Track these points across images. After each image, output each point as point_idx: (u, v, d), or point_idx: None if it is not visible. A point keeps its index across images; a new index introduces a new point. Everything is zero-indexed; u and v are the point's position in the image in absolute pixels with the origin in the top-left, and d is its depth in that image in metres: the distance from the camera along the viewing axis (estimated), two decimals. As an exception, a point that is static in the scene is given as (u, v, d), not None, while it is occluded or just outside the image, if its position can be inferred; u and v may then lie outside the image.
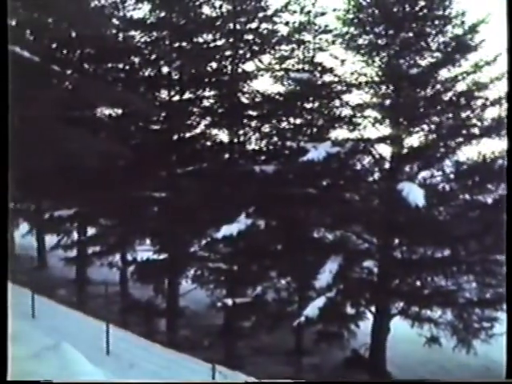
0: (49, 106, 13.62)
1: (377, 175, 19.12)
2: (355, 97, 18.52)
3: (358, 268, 18.48)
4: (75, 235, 24.76)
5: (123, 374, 11.00)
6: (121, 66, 23.15)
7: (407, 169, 18.30)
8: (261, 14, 20.88)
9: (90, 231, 24.91)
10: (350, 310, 18.42)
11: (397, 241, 18.47)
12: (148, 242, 22.55)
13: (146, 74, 22.47)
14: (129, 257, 23.11)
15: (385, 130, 18.21)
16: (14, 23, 20.08)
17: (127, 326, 17.75)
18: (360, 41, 18.04)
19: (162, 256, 21.11)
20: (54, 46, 23.55)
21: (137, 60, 22.60)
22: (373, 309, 18.34)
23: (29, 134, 12.40)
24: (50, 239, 25.87)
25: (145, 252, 21.76)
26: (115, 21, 22.94)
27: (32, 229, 27.77)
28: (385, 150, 18.25)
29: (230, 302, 18.67)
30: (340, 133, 19.29)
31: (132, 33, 22.39)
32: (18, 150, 12.80)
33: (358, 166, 19.11)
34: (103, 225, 23.55)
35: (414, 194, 15.58)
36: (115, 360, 12.25)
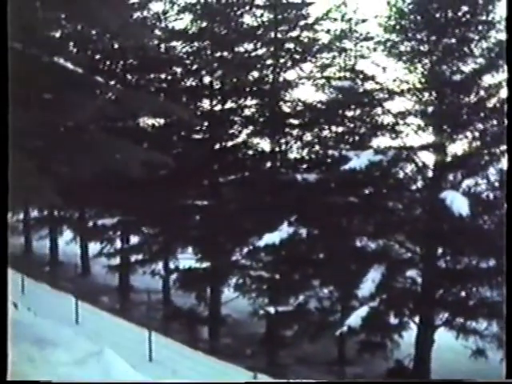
0: (92, 116, 13.80)
1: (420, 184, 18.86)
2: (397, 104, 18.34)
3: (401, 277, 18.24)
4: (118, 243, 25.06)
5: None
6: (163, 76, 23.47)
7: (451, 177, 18.00)
8: (302, 23, 20.90)
9: (133, 239, 25.18)
10: (393, 320, 18.16)
11: (440, 250, 18.18)
12: (190, 250, 22.64)
13: (188, 83, 22.70)
14: (171, 265, 23.32)
15: (428, 137, 17.99)
16: (57, 35, 20.54)
17: (169, 333, 17.84)
18: (402, 47, 17.86)
19: (205, 264, 21.24)
20: (97, 57, 23.99)
21: (179, 70, 22.90)
22: (417, 319, 18.05)
23: (73, 143, 12.59)
24: (94, 247, 26.20)
25: (187, 260, 21.89)
26: (157, 32, 23.25)
27: (75, 236, 28.17)
28: (428, 157, 18.01)
29: (272, 310, 18.64)
30: (382, 141, 19.14)
31: (174, 43, 22.67)
32: (62, 159, 13.05)
33: (401, 175, 18.92)
34: (146, 233, 23.77)
35: (458, 203, 15.33)
36: (158, 367, 12.31)
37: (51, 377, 7.48)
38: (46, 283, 20.63)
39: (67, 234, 28.93)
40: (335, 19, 20.86)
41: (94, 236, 24.82)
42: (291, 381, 15.99)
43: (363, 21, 20.51)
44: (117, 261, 24.57)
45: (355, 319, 15.95)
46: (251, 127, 21.93)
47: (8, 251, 5.22)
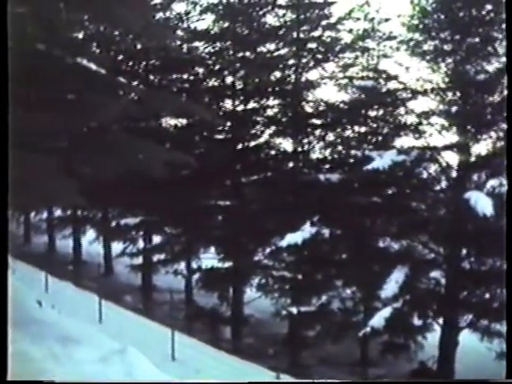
0: (115, 116, 13.87)
1: (444, 184, 18.71)
2: (421, 104, 18.24)
3: (424, 278, 18.10)
4: (141, 243, 25.19)
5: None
6: (185, 76, 23.57)
7: (475, 177, 17.84)
8: (324, 22, 20.91)
9: (156, 239, 25.29)
10: (417, 322, 18.04)
11: (464, 251, 18.01)
12: (213, 250, 22.70)
13: (210, 84, 22.76)
14: (194, 265, 23.35)
15: (452, 137, 17.85)
16: (80, 36, 20.70)
17: (192, 333, 17.87)
18: (425, 47, 17.76)
19: (227, 264, 21.28)
20: (120, 58, 24.14)
21: (201, 70, 22.96)
22: (440, 321, 17.91)
23: (96, 143, 12.65)
24: (116, 246, 26.35)
25: (209, 260, 21.95)
26: (179, 32, 23.33)
27: (99, 236, 28.35)
28: (452, 158, 17.89)
29: (294, 310, 18.60)
30: (405, 141, 19.05)
31: (196, 44, 22.75)
32: (85, 159, 13.13)
33: (425, 175, 18.78)
34: (168, 233, 23.86)
35: (482, 204, 15.18)
36: (180, 366, 12.34)
37: (75, 374, 7.53)
38: (70, 282, 20.78)
39: (90, 234, 29.13)
40: (358, 19, 20.80)
41: (116, 236, 25.02)
42: (316, 381, 15.94)
43: (386, 20, 20.41)
44: (139, 260, 24.72)
45: (378, 320, 15.87)
46: (273, 127, 21.92)
47: (8, 251, 5.26)
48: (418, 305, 17.45)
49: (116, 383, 7.39)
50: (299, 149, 21.30)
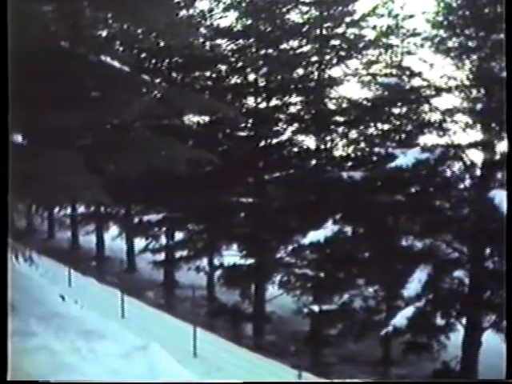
0: (138, 114, 13.95)
1: (468, 182, 18.54)
2: (445, 101, 18.06)
3: (448, 278, 17.94)
4: (163, 239, 25.29)
5: (210, 378, 11.08)
6: (208, 74, 23.59)
7: (499, 176, 17.64)
8: (348, 19, 20.87)
9: (178, 236, 25.38)
10: (439, 321, 17.88)
11: (488, 250, 17.83)
12: (235, 247, 22.75)
13: (233, 81, 22.78)
14: (216, 261, 23.40)
15: (476, 135, 17.68)
16: (104, 34, 20.84)
17: (214, 329, 17.90)
18: (450, 43, 17.60)
19: (249, 261, 21.31)
20: (143, 55, 24.25)
21: (224, 68, 22.98)
22: (464, 321, 17.75)
23: (119, 140, 12.73)
24: (139, 243, 26.48)
25: (232, 257, 21.99)
26: (202, 30, 23.37)
27: (121, 232, 28.51)
28: (476, 156, 17.69)
29: (316, 308, 18.57)
30: (429, 138, 18.87)
31: (219, 41, 22.77)
32: (109, 157, 13.22)
33: (448, 173, 18.62)
34: (191, 230, 23.93)
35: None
36: (202, 363, 12.35)
37: (97, 368, 7.59)
38: (93, 277, 20.93)
39: (113, 230, 29.30)
40: (382, 15, 20.66)
41: (139, 232, 25.14)
42: (339, 381, 15.89)
43: (410, 17, 20.24)
44: (162, 257, 24.83)
45: (401, 319, 15.77)
46: (296, 125, 21.91)
47: (8, 249, 5.31)
48: (440, 304, 17.29)
49: (121, 383, 7.40)
50: (322, 146, 21.28)
